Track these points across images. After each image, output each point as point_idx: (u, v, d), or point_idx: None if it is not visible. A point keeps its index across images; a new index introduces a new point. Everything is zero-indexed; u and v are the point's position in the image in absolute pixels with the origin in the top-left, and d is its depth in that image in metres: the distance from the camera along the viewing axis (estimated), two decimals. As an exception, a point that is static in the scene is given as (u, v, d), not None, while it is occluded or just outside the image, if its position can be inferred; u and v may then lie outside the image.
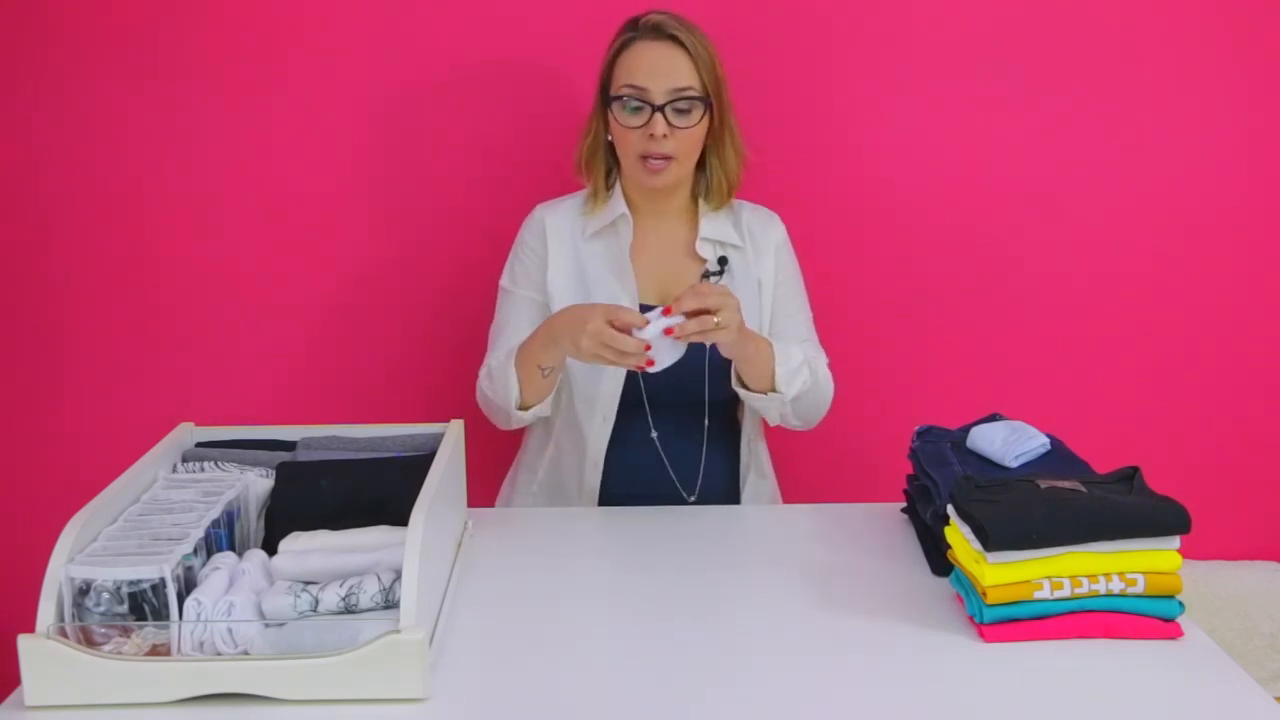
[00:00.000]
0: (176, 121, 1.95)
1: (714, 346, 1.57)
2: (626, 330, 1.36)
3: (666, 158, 1.52)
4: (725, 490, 1.69)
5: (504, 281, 1.67)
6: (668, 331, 1.36)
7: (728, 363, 1.59)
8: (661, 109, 1.49)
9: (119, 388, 2.04)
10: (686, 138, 1.52)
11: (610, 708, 1.07)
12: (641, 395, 1.60)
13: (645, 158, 1.53)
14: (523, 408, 1.55)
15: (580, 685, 1.11)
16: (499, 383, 1.55)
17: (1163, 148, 2.00)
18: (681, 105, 1.51)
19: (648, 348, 1.36)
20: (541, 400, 1.55)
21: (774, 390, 1.52)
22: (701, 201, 1.63)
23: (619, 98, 1.51)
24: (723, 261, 1.61)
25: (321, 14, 1.92)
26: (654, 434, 1.63)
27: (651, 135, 1.50)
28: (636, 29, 1.53)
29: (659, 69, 1.50)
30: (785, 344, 1.56)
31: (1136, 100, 1.98)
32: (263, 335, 2.04)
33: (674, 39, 1.51)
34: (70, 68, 1.92)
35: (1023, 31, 1.95)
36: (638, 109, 1.51)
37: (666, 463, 1.63)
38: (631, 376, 1.59)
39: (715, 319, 1.36)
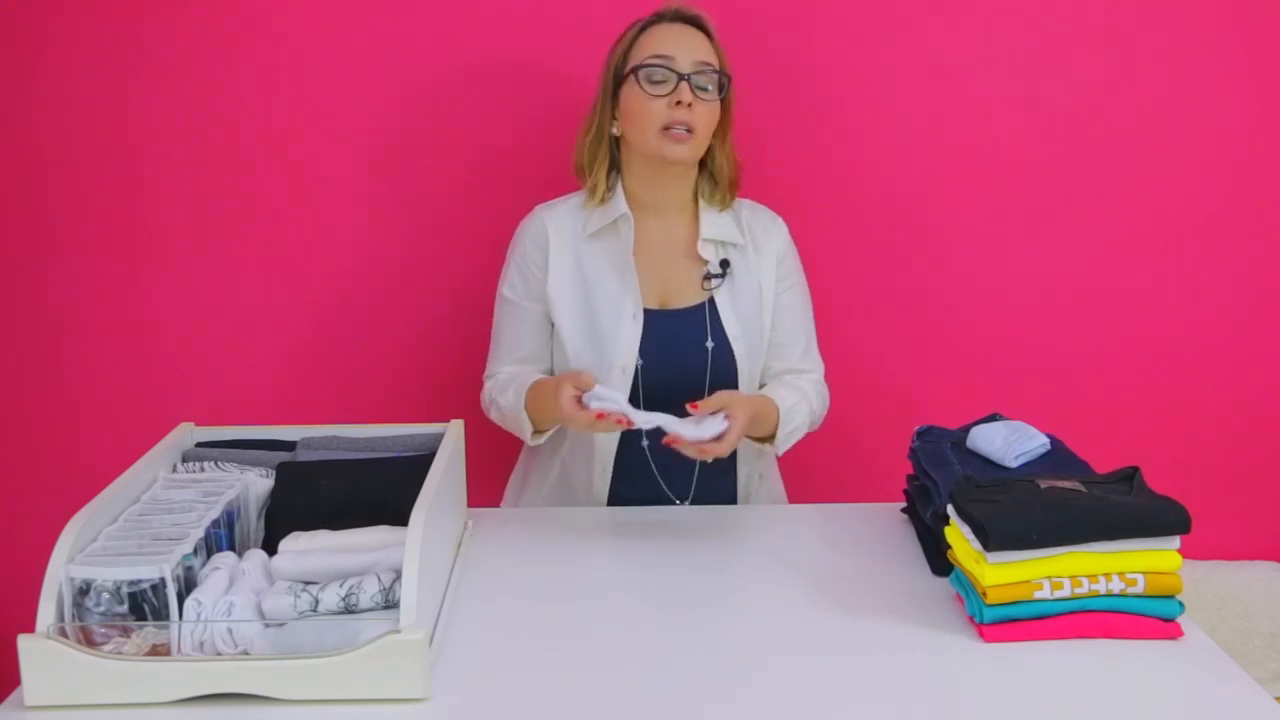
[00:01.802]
0: (177, 121, 1.95)
1: (715, 349, 1.58)
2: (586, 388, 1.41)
3: (689, 129, 1.52)
4: (722, 497, 1.68)
5: (504, 289, 1.65)
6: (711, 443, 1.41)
7: (728, 366, 1.59)
8: (687, 77, 1.51)
9: (119, 388, 2.04)
10: (706, 113, 1.54)
11: (610, 707, 1.07)
12: (639, 397, 1.59)
13: (668, 128, 1.53)
14: (539, 433, 1.59)
15: (580, 685, 1.11)
16: (510, 421, 1.60)
17: (1164, 149, 2.00)
18: (706, 78, 1.53)
19: (599, 416, 1.39)
20: (557, 424, 1.58)
21: (769, 443, 1.57)
22: (703, 201, 1.63)
23: (643, 67, 1.53)
24: (724, 264, 1.61)
25: (322, 15, 1.92)
26: (644, 443, 1.62)
27: (678, 102, 1.51)
28: (659, 17, 1.57)
29: (684, 42, 1.54)
30: (791, 403, 1.56)
31: (1139, 101, 1.98)
32: (263, 335, 2.04)
33: (695, 22, 1.56)
34: (71, 68, 1.92)
35: (1024, 32, 1.95)
36: (663, 80, 1.52)
37: (655, 471, 1.63)
38: (636, 379, 1.58)
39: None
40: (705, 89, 1.54)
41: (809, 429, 1.61)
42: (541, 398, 1.53)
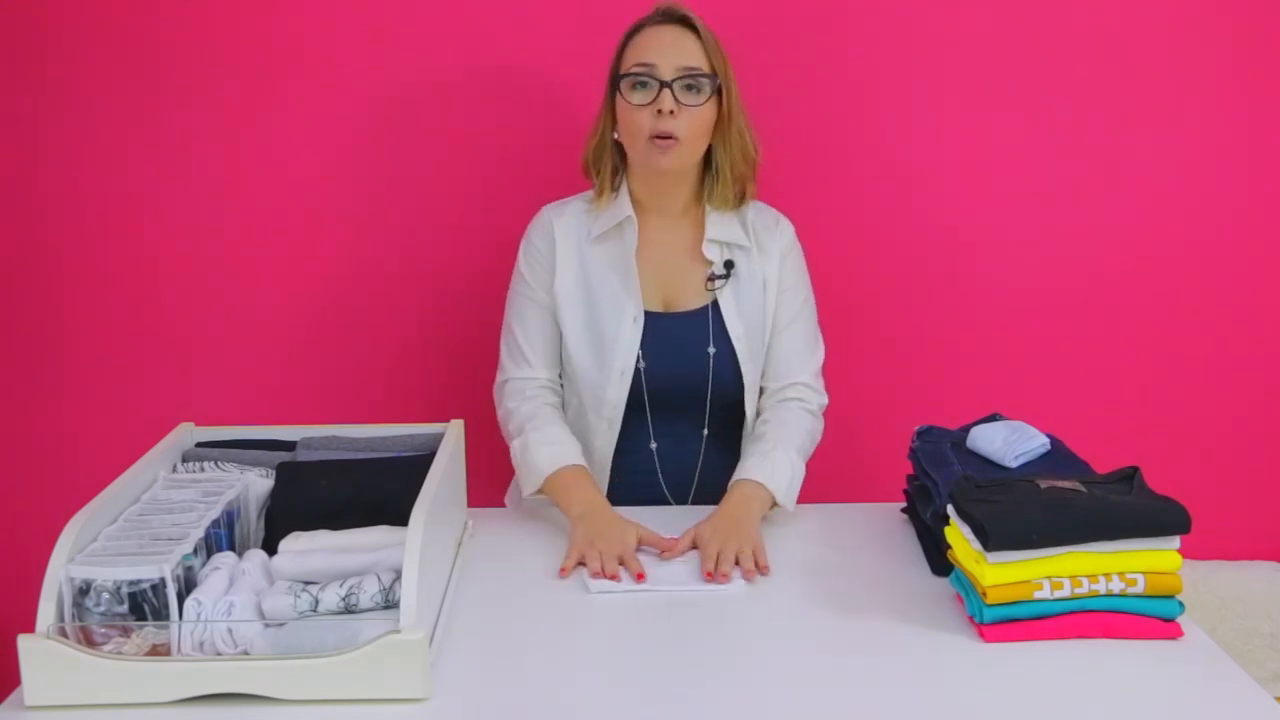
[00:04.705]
0: (178, 122, 1.95)
1: (717, 354, 1.58)
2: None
3: (673, 137, 1.50)
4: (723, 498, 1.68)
5: (517, 283, 1.65)
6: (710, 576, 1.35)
7: (731, 370, 1.59)
8: (669, 85, 1.49)
9: (119, 388, 2.04)
10: (693, 118, 1.51)
11: (610, 707, 1.07)
12: (644, 400, 1.59)
13: (653, 137, 1.51)
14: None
15: (580, 685, 1.11)
16: (521, 469, 1.55)
17: (1162, 149, 2.00)
18: (689, 82, 1.50)
19: (640, 577, 1.33)
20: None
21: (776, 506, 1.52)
22: (707, 204, 1.62)
23: (628, 76, 1.51)
24: (728, 265, 1.61)
25: (322, 16, 1.92)
26: (653, 445, 1.62)
27: (659, 111, 1.49)
28: (647, 19, 1.55)
29: (667, 48, 1.50)
30: (766, 471, 1.50)
31: (1138, 101, 1.98)
32: (263, 335, 2.03)
33: (683, 20, 1.52)
34: (71, 69, 1.92)
35: (1025, 34, 1.95)
36: (645, 85, 1.50)
37: (660, 475, 1.63)
38: (636, 382, 1.58)
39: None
40: (693, 90, 1.50)
41: (806, 459, 1.58)
42: (565, 500, 1.49)
